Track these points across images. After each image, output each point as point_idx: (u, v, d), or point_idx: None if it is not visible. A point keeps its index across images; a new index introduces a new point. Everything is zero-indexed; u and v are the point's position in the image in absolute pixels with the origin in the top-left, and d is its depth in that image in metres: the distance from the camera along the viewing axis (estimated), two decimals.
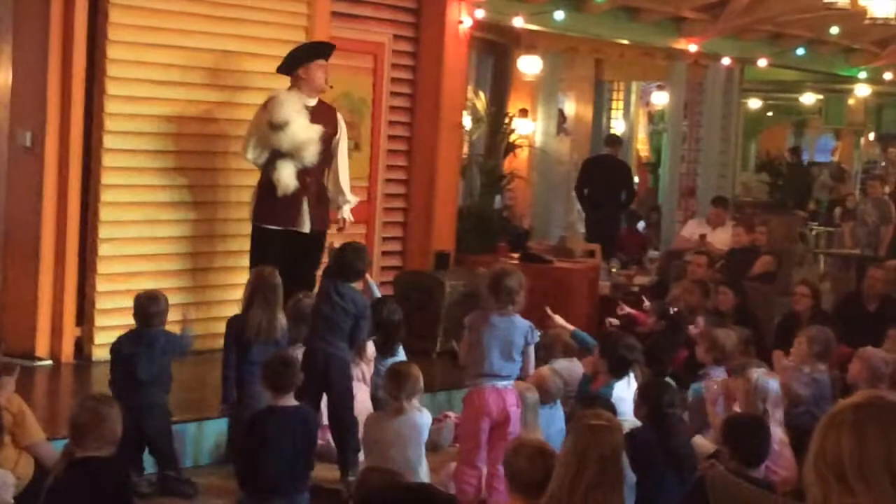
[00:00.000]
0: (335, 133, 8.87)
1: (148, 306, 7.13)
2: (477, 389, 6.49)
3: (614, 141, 15.59)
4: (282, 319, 7.52)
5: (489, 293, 6.55)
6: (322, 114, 8.78)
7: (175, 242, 9.20)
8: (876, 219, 13.98)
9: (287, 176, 8.52)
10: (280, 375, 6.46)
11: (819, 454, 2.92)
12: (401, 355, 8.19)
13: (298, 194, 8.61)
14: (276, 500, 6.28)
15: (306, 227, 8.72)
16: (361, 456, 7.06)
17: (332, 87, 8.97)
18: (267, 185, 8.63)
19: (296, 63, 8.72)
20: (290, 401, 6.47)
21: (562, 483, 4.18)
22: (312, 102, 8.74)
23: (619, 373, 7.45)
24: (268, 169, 8.62)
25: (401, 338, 8.29)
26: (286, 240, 8.63)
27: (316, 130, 8.61)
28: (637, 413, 6.61)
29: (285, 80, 8.81)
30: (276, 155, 8.55)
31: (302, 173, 8.60)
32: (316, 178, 8.76)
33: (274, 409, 6.47)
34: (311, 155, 8.58)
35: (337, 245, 7.81)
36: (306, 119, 8.60)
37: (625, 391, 7.34)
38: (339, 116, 9.03)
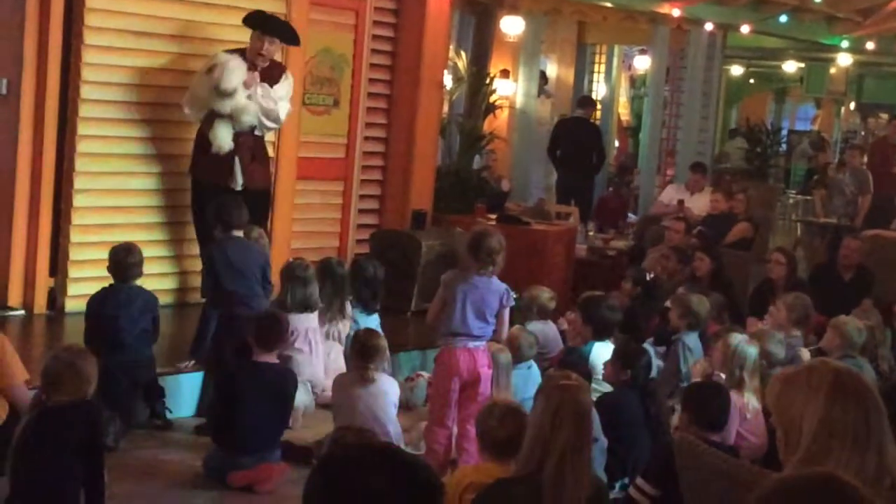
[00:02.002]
0: None
1: (125, 258, 7.12)
2: (448, 349, 6.48)
3: (587, 102, 15.58)
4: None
5: (469, 253, 6.53)
6: (268, 76, 8.85)
7: (150, 195, 9.14)
8: (854, 189, 13.99)
9: (223, 136, 8.63)
10: (268, 332, 6.51)
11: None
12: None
13: (231, 153, 8.69)
14: (247, 455, 6.29)
15: (238, 185, 8.73)
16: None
17: (261, 65, 8.85)
18: (202, 141, 8.74)
19: (258, 25, 8.78)
20: (272, 359, 6.51)
21: (535, 444, 4.17)
22: (264, 64, 8.81)
23: (602, 335, 7.49)
24: (204, 125, 8.73)
25: (377, 296, 8.35)
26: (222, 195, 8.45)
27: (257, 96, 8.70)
28: (611, 377, 6.62)
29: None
30: (215, 114, 8.65)
31: (238, 134, 8.69)
32: (252, 138, 8.84)
33: (254, 363, 6.51)
34: (249, 119, 8.70)
35: None
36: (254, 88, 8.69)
37: (603, 353, 7.36)
38: (287, 75, 9.03)
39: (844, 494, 2.21)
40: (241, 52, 8.77)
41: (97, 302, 7.15)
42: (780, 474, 2.72)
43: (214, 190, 8.53)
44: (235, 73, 8.59)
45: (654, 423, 6.40)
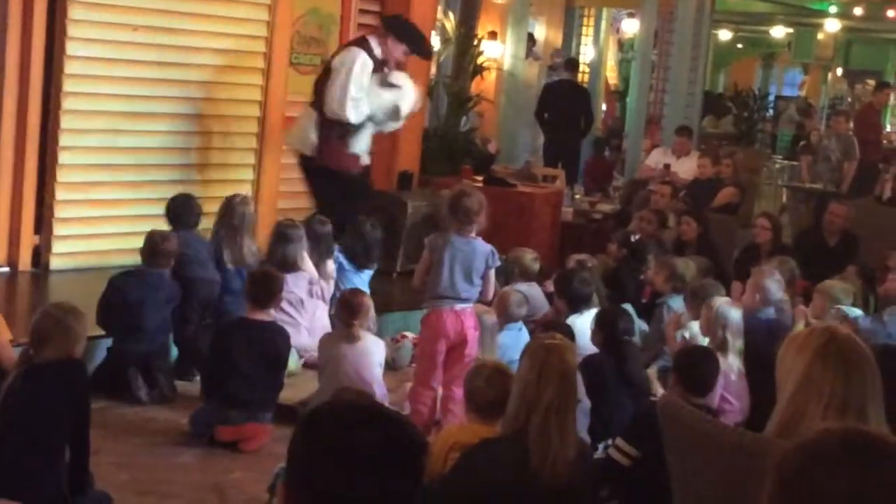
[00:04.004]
0: None
1: (160, 243, 7.10)
2: (435, 311, 6.48)
3: (574, 65, 15.53)
4: (253, 246, 7.71)
5: (449, 214, 6.53)
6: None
7: (137, 153, 9.10)
8: (840, 154, 14.01)
9: (365, 144, 8.92)
10: (261, 288, 6.53)
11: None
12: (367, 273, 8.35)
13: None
14: (237, 410, 6.30)
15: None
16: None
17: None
18: (338, 134, 8.73)
19: (397, 31, 8.89)
20: (266, 316, 6.52)
21: (521, 403, 4.19)
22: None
23: (577, 308, 7.47)
24: (345, 126, 8.72)
25: (378, 255, 8.40)
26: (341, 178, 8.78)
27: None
28: (593, 339, 6.63)
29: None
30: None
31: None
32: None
33: (244, 320, 6.54)
34: (392, 126, 9.10)
35: None
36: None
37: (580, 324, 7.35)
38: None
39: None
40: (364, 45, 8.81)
41: (121, 285, 7.03)
42: (833, 423, 2.69)
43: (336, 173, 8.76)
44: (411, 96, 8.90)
45: (630, 384, 6.39)
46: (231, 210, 7.78)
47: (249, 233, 7.79)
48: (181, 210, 7.70)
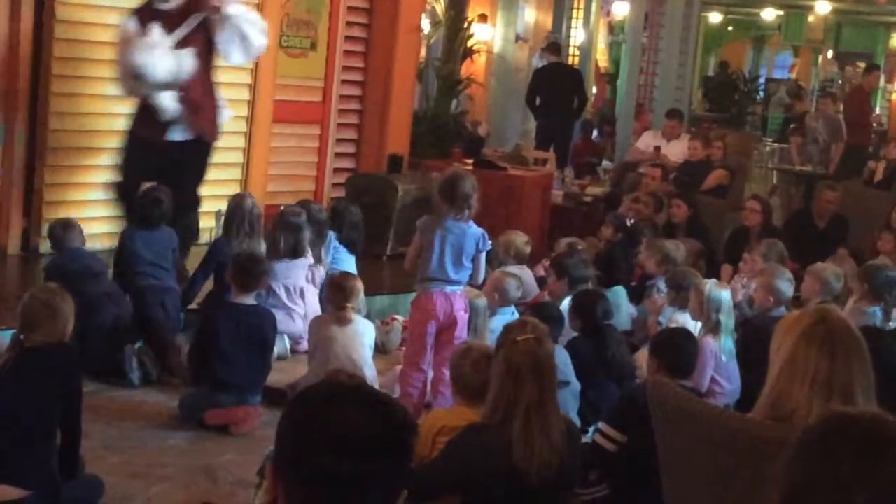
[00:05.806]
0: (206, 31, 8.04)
1: (63, 234, 7.12)
2: (425, 293, 6.48)
3: (556, 48, 15.50)
4: (262, 241, 7.73)
5: (442, 197, 6.51)
6: (186, 11, 8.00)
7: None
8: (827, 136, 14.03)
9: (167, 101, 7.95)
10: (246, 272, 6.53)
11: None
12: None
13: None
14: (225, 394, 6.30)
15: (178, 136, 8.11)
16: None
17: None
18: (148, 105, 8.03)
19: None
20: (250, 300, 6.52)
21: (498, 401, 4.17)
22: (171, 5, 8.01)
23: (575, 289, 7.45)
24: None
25: (362, 239, 8.39)
26: (158, 149, 8.02)
27: (175, 57, 7.87)
28: (572, 326, 6.62)
29: None
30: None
31: (180, 90, 8.00)
32: (196, 87, 8.04)
33: (230, 304, 6.54)
34: (182, 79, 7.96)
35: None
36: (164, 49, 7.86)
37: None
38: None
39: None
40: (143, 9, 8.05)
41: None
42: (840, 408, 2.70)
43: (150, 143, 8.04)
44: (138, 50, 7.82)
45: (612, 368, 6.39)
46: (239, 209, 7.77)
47: (258, 227, 7.82)
48: (146, 208, 7.56)
